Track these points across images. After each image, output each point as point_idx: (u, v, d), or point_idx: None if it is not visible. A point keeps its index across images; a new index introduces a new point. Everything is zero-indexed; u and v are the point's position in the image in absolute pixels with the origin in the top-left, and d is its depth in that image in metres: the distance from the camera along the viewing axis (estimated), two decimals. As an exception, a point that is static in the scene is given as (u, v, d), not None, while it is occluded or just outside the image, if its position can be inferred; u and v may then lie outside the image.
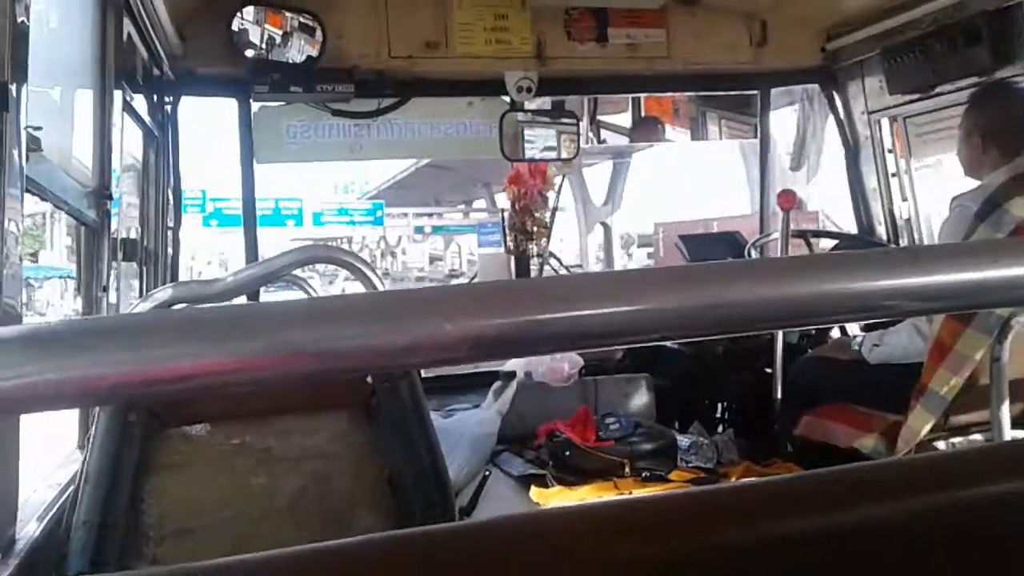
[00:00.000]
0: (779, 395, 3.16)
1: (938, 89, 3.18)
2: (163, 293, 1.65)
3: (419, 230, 34.22)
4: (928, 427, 2.34)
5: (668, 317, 0.49)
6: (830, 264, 0.53)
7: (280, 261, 1.66)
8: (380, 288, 1.59)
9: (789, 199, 2.96)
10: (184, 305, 1.77)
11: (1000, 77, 2.85)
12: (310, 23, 3.08)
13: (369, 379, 1.46)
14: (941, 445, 2.43)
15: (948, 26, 2.98)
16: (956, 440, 2.44)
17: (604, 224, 19.47)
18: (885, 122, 3.61)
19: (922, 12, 3.05)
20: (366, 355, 0.44)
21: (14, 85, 1.07)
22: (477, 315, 0.45)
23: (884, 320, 2.87)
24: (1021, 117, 2.56)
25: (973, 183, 2.55)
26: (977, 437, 2.42)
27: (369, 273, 1.56)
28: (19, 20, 1.13)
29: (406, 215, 33.36)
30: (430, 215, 33.64)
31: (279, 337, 0.42)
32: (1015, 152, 2.42)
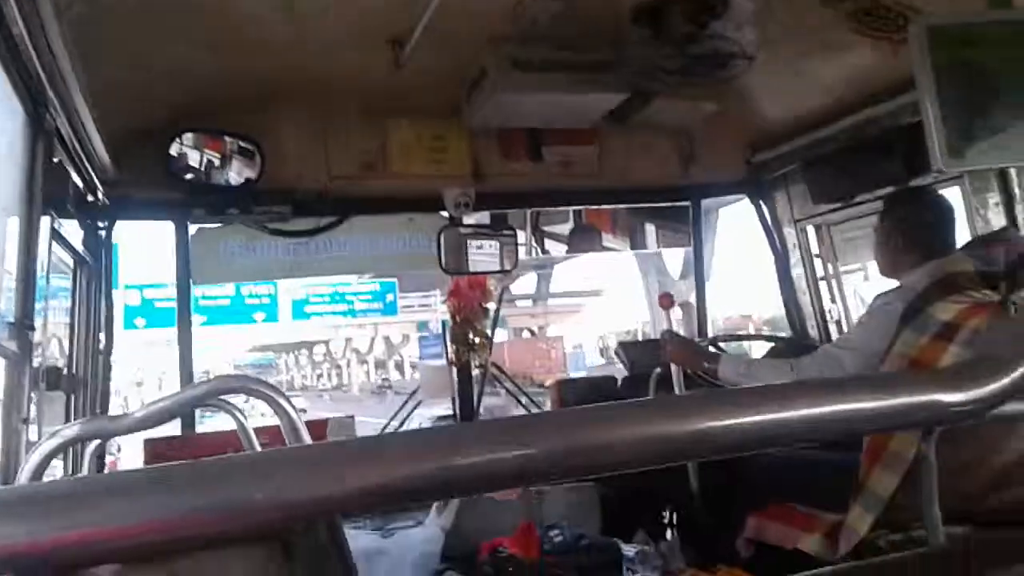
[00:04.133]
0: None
1: (858, 198, 3.34)
2: (70, 430, 1.62)
3: (423, 325, 29.63)
4: (868, 526, 2.35)
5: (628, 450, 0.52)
6: (782, 394, 0.56)
7: (190, 393, 1.66)
8: (293, 416, 1.57)
9: (668, 300, 3.09)
10: (98, 442, 1.72)
11: (912, 185, 3.01)
12: (249, 147, 3.12)
13: None
14: (882, 543, 2.43)
15: (863, 140, 3.15)
16: (895, 537, 2.45)
17: (687, 304, 15.88)
18: (811, 229, 3.75)
19: (838, 128, 3.22)
20: (275, 510, 0.45)
21: None
22: (396, 464, 0.46)
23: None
24: (937, 220, 2.68)
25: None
26: (916, 534, 2.42)
27: (285, 404, 1.55)
28: None
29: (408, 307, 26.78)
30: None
31: (202, 496, 0.43)
32: (932, 254, 2.52)
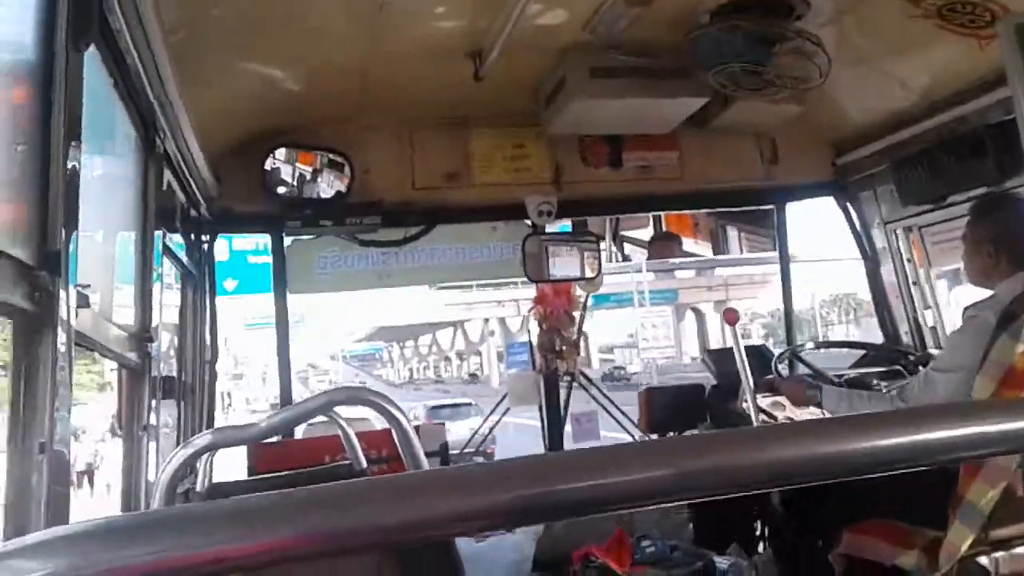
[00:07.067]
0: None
1: (950, 199, 3.24)
2: (202, 439, 1.74)
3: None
4: (968, 542, 2.28)
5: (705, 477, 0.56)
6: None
7: (310, 404, 1.79)
8: (405, 425, 1.66)
9: (733, 316, 3.04)
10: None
11: (1007, 187, 2.91)
12: (339, 160, 3.26)
13: None
14: (984, 560, 2.34)
15: (953, 139, 3.07)
16: (999, 555, 2.36)
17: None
18: (902, 231, 3.66)
19: (927, 126, 3.14)
20: (393, 531, 0.51)
21: (65, 251, 1.17)
22: (500, 488, 0.52)
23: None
24: None
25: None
26: (1020, 551, 2.33)
27: (397, 413, 1.64)
28: (70, 187, 1.24)
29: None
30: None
31: (315, 520, 0.49)
32: None
